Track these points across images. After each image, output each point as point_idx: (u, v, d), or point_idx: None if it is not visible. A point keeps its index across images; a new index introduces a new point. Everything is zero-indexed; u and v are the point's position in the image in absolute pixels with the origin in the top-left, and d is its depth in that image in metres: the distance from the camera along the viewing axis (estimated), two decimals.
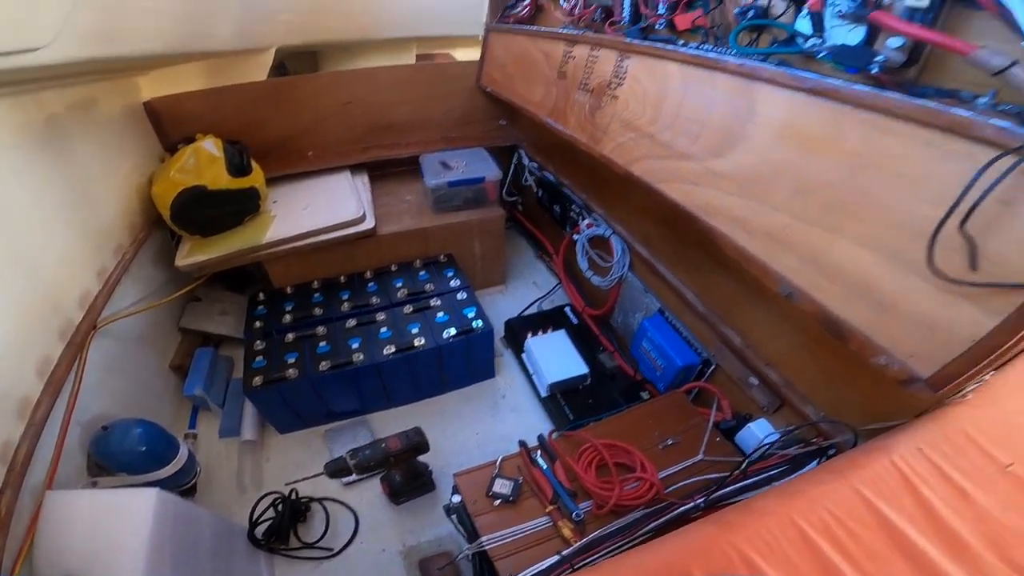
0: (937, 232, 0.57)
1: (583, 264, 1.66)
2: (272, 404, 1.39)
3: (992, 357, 0.57)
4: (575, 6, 1.39)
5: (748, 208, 0.84)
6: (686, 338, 1.31)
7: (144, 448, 1.07)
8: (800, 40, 0.80)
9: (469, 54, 3.00)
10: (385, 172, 2.00)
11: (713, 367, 1.24)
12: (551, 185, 1.88)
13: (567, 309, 1.75)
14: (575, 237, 1.69)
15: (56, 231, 1.16)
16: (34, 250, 1.07)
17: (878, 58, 0.68)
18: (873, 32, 0.70)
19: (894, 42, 0.66)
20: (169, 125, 1.68)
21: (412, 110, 1.96)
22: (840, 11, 0.73)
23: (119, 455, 1.05)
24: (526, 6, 1.67)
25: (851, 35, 0.73)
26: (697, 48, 0.99)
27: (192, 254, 1.50)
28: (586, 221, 1.66)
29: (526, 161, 2.00)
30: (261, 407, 1.43)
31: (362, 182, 1.89)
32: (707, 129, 0.92)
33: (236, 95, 1.78)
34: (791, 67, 0.80)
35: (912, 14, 0.64)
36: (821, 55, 0.76)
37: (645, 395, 1.41)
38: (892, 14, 0.66)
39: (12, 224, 1.03)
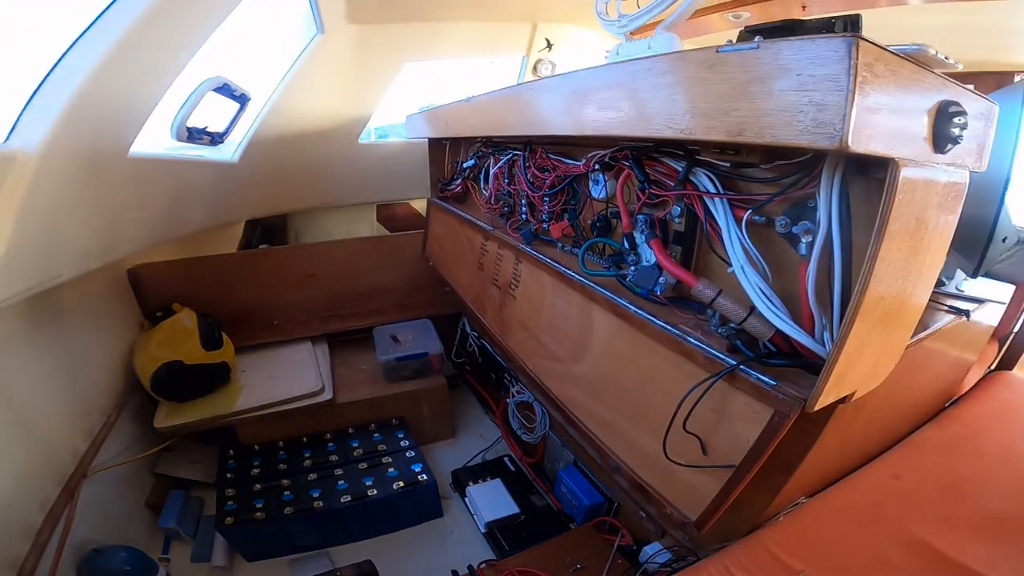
0: (668, 430, 0.84)
1: (515, 424, 1.99)
2: (242, 539, 1.62)
3: (728, 502, 0.81)
4: (490, 198, 1.71)
5: (593, 404, 1.12)
6: (594, 482, 1.59)
7: (128, 568, 1.36)
8: (626, 256, 1.07)
9: (423, 206, 3.52)
10: (343, 340, 2.32)
11: (616, 504, 1.51)
12: (488, 353, 2.23)
13: (506, 458, 2.02)
14: (508, 400, 2.02)
15: (53, 399, 1.46)
16: (36, 415, 1.37)
17: (660, 279, 0.94)
18: None
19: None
20: (148, 292, 2.00)
21: (368, 279, 2.35)
22: (643, 235, 1.01)
23: (107, 574, 1.32)
24: (458, 185, 2.11)
25: (652, 256, 0.98)
26: (569, 251, 1.29)
27: (169, 418, 1.76)
28: (515, 388, 1.99)
29: (468, 329, 2.37)
30: (232, 541, 1.64)
31: (322, 352, 2.20)
32: (568, 337, 1.21)
33: (208, 266, 2.14)
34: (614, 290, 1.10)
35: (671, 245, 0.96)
36: (629, 279, 1.04)
37: (573, 526, 1.64)
38: (662, 246, 0.95)
39: (18, 395, 1.32)
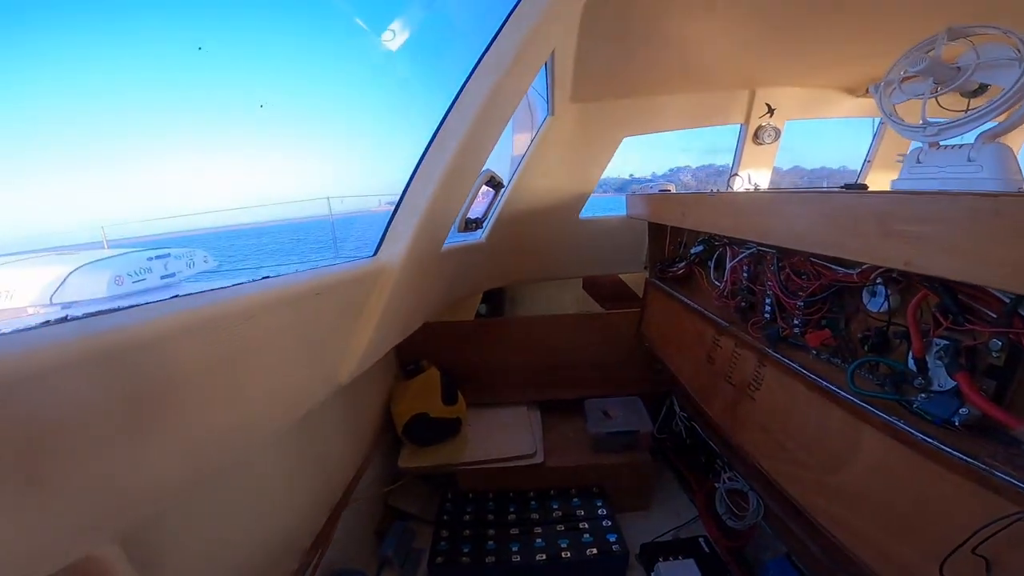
0: (952, 553, 0.75)
1: (720, 508, 1.88)
2: None
3: None
4: (724, 291, 1.68)
5: (843, 512, 1.03)
6: None
7: None
8: (911, 379, 0.98)
9: (632, 279, 3.64)
10: (554, 406, 2.54)
11: None
12: (697, 435, 2.19)
13: (701, 540, 1.92)
14: (716, 484, 1.93)
15: (342, 437, 1.86)
16: (329, 451, 1.75)
17: (962, 411, 0.83)
18: None
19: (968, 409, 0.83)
20: (404, 349, 2.45)
21: (581, 353, 2.53)
22: (940, 361, 0.91)
23: None
24: (682, 268, 2.13)
25: (947, 382, 0.89)
26: (827, 360, 1.21)
27: (410, 459, 2.16)
28: (728, 474, 1.89)
29: (677, 409, 2.36)
30: None
31: (535, 416, 2.45)
32: (822, 448, 1.12)
33: (451, 330, 2.56)
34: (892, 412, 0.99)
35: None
36: (916, 405, 0.94)
37: None
38: (971, 381, 0.83)
39: (323, 434, 1.70)
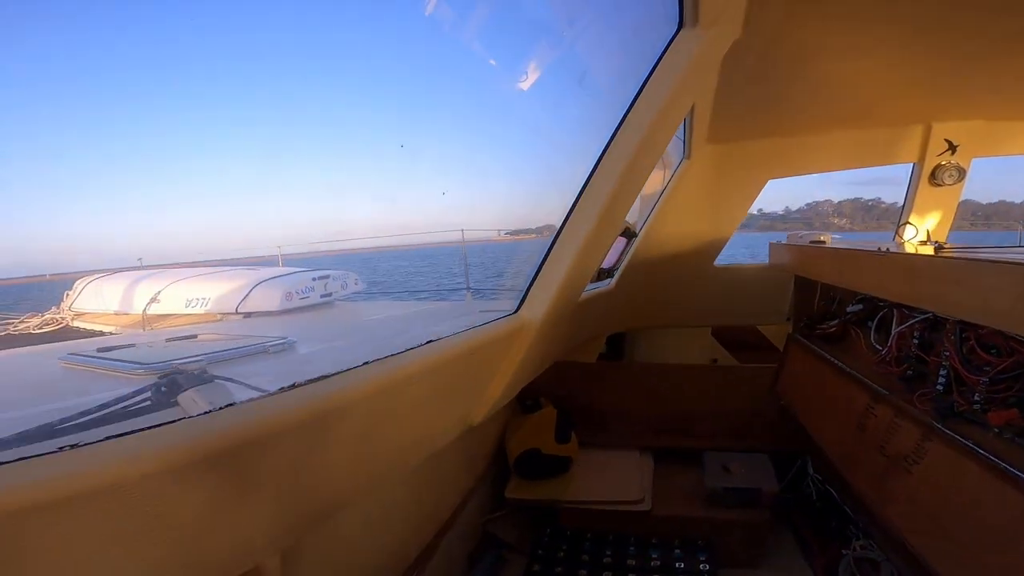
0: None
1: (844, 574, 1.71)
2: None
3: None
4: (887, 356, 1.56)
5: None
6: None
7: None
8: None
9: (769, 329, 3.41)
10: (671, 456, 2.44)
11: None
12: (831, 499, 2.01)
13: None
14: (844, 551, 1.76)
15: (455, 462, 1.97)
16: (441, 473, 1.85)
17: None
18: None
19: None
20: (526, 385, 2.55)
21: (706, 404, 2.44)
22: None
23: None
24: (834, 325, 1.99)
25: None
26: (1011, 440, 1.08)
27: (517, 491, 2.22)
28: (860, 542, 1.73)
29: (810, 471, 2.17)
30: None
31: (647, 462, 2.39)
32: (988, 528, 1.01)
33: (573, 370, 2.61)
34: None
35: None
36: None
37: None
38: None
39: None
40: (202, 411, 0.93)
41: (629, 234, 2.26)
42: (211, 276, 4.07)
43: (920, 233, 2.24)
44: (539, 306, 1.61)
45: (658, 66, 1.50)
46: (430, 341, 1.19)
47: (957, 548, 1.09)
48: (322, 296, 4.07)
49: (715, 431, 2.46)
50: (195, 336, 2.55)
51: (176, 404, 1.13)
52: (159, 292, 3.67)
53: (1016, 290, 0.91)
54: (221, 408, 0.74)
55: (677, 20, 1.47)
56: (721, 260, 3.08)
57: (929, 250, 1.47)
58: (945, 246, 1.73)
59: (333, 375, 0.90)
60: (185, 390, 1.16)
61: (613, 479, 2.28)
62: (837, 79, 1.97)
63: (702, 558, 1.98)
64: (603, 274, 2.28)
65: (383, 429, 1.08)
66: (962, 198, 2.86)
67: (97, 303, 4.08)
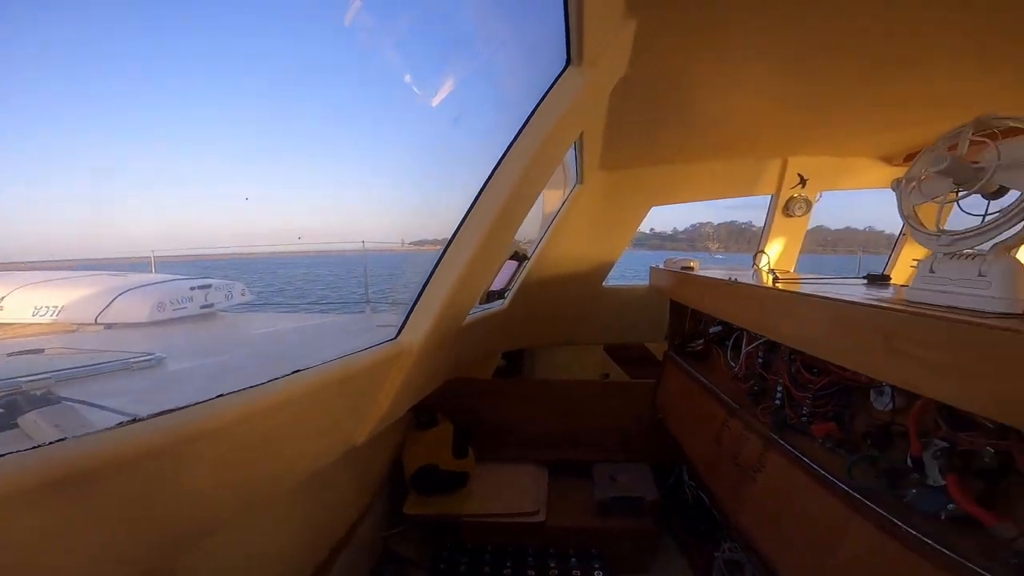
0: None
1: None
2: None
3: None
4: (738, 374, 1.77)
5: None
6: None
7: None
8: (907, 474, 1.05)
9: (657, 346, 3.64)
10: (565, 469, 2.56)
11: None
12: (704, 504, 2.21)
13: None
14: (716, 554, 1.97)
15: (346, 477, 1.93)
16: (332, 492, 1.83)
17: (949, 507, 0.91)
18: None
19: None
20: (421, 401, 2.51)
21: (595, 418, 2.58)
22: (936, 460, 0.98)
23: None
24: (700, 345, 2.21)
25: (941, 479, 0.96)
26: (831, 449, 1.26)
27: (415, 507, 2.24)
28: (728, 544, 1.92)
29: (686, 478, 2.40)
30: None
31: (543, 475, 2.49)
32: (815, 532, 1.17)
33: (470, 386, 2.65)
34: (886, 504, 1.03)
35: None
36: (907, 499, 1.00)
37: None
38: (959, 482, 0.91)
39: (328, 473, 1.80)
40: (46, 435, 0.89)
41: (520, 257, 2.34)
42: (66, 281, 3.59)
43: (769, 262, 2.54)
44: (420, 331, 1.63)
45: (545, 99, 1.57)
46: (296, 371, 1.17)
47: (794, 551, 1.24)
48: (202, 307, 3.76)
49: (605, 443, 2.63)
50: (42, 350, 2.27)
51: (16, 427, 1.06)
52: (2, 298, 3.19)
53: (825, 322, 1.07)
54: (51, 443, 0.71)
55: (565, 57, 1.56)
56: (621, 277, 3.28)
57: (770, 280, 1.65)
58: (787, 275, 1.97)
59: (181, 408, 0.88)
60: (26, 412, 1.09)
61: (510, 492, 2.36)
62: (711, 113, 2.16)
63: (596, 565, 2.14)
64: (493, 296, 2.34)
65: (249, 455, 1.07)
66: (815, 224, 3.24)
67: None
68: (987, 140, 0.92)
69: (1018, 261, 0.85)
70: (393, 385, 1.65)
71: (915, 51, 1.45)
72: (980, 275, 0.86)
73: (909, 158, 2.79)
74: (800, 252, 3.21)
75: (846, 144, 2.71)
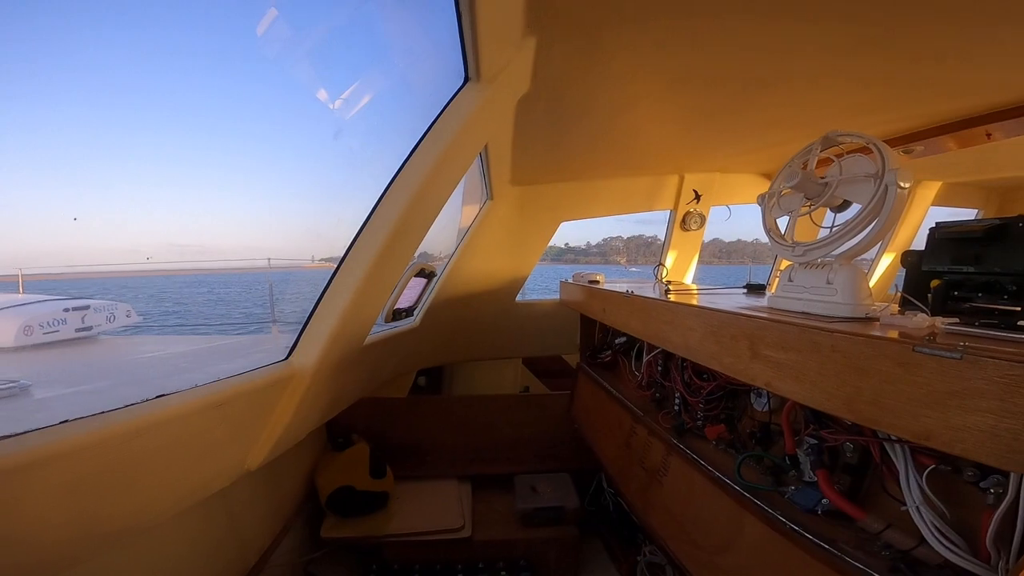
0: None
1: None
2: None
3: None
4: (641, 382, 1.86)
5: None
6: None
7: None
8: (787, 471, 1.15)
9: (572, 358, 3.74)
10: (485, 481, 2.56)
11: None
12: (623, 510, 2.31)
13: None
14: (638, 558, 2.07)
15: (256, 502, 1.85)
16: (244, 516, 1.76)
17: (823, 501, 1.00)
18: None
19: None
20: (335, 422, 2.42)
21: (514, 431, 2.62)
22: (809, 459, 1.08)
23: None
24: (608, 355, 2.30)
25: (813, 475, 1.06)
26: (724, 450, 1.36)
27: (333, 530, 2.15)
28: (648, 547, 2.03)
29: (604, 485, 2.48)
30: None
31: (465, 491, 2.48)
32: (713, 532, 1.25)
33: (383, 406, 2.59)
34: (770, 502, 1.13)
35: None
36: (787, 496, 1.10)
37: None
38: (828, 477, 1.00)
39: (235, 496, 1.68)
40: None
41: (427, 274, 2.33)
42: None
43: (666, 274, 2.72)
44: (313, 352, 1.56)
45: (443, 113, 1.58)
46: (160, 395, 1.10)
47: (698, 550, 1.31)
48: (78, 331, 3.40)
49: (525, 455, 2.66)
50: None
51: None
52: None
53: (703, 330, 1.15)
54: None
55: (463, 74, 1.58)
56: (539, 291, 3.33)
57: (661, 292, 1.75)
58: (680, 286, 2.10)
59: (20, 434, 0.82)
60: None
61: (433, 510, 2.32)
62: (613, 130, 2.24)
63: None
64: (401, 314, 2.29)
65: (107, 482, 1.00)
66: (711, 237, 3.49)
67: None
68: (833, 157, 1.03)
69: (859, 269, 0.95)
70: (287, 408, 1.57)
71: (780, 71, 1.59)
72: (828, 282, 0.96)
73: None
74: (698, 263, 3.44)
75: (732, 161, 2.92)
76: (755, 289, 1.59)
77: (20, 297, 3.59)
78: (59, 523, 0.93)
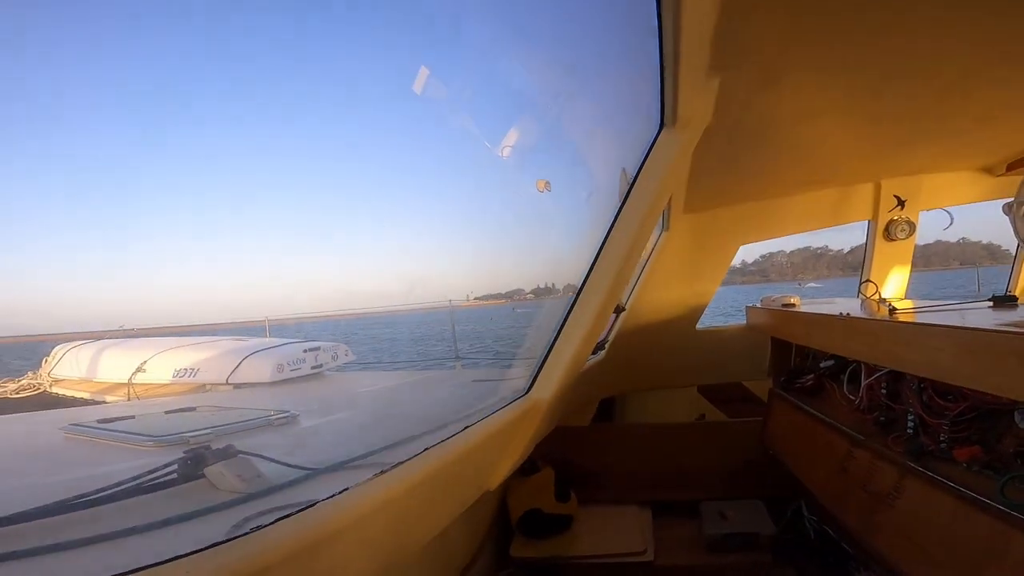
0: None
1: None
2: None
3: None
4: (860, 406, 1.74)
5: None
6: None
7: None
8: None
9: (754, 384, 3.59)
10: (668, 509, 2.56)
11: None
12: (828, 537, 2.15)
13: None
14: None
15: (460, 525, 1.96)
16: (452, 538, 1.91)
17: None
18: None
19: None
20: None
21: (698, 458, 2.60)
22: None
23: None
24: (810, 379, 2.19)
25: None
26: (978, 471, 1.24)
27: (522, 550, 2.31)
28: (862, 573, 1.86)
29: (805, 512, 2.32)
30: None
31: (647, 517, 2.51)
32: (966, 550, 1.15)
33: (569, 434, 2.73)
34: None
35: None
36: None
37: None
38: None
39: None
40: (231, 485, 1.04)
41: (618, 309, 2.46)
42: (197, 346, 4.12)
43: (880, 291, 2.47)
44: (549, 384, 1.72)
45: (645, 163, 1.69)
46: (426, 449, 1.17)
47: (940, 570, 1.23)
48: (313, 368, 4.13)
49: (709, 482, 2.61)
50: (195, 409, 2.58)
51: (202, 477, 1.14)
52: (145, 362, 3.69)
53: (955, 350, 1.10)
54: (220, 543, 0.71)
55: (658, 122, 1.68)
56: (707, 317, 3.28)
57: (885, 311, 1.64)
58: (900, 303, 1.95)
59: (324, 500, 0.89)
60: (211, 463, 1.18)
61: (614, 533, 2.39)
62: (795, 145, 2.18)
63: None
64: (596, 348, 2.45)
65: (383, 540, 1.06)
66: None
67: (76, 370, 4.07)
68: None
69: None
70: (524, 439, 1.74)
71: (999, 58, 1.46)
72: None
73: (1013, 167, 2.70)
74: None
75: (939, 161, 2.65)
76: (1004, 302, 1.44)
77: (270, 341, 4.47)
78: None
